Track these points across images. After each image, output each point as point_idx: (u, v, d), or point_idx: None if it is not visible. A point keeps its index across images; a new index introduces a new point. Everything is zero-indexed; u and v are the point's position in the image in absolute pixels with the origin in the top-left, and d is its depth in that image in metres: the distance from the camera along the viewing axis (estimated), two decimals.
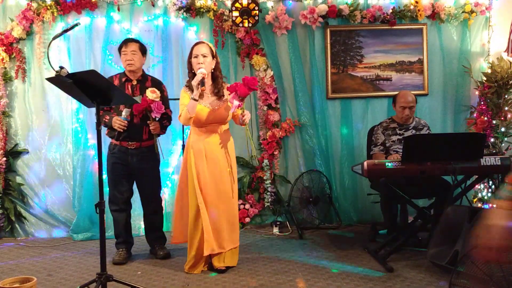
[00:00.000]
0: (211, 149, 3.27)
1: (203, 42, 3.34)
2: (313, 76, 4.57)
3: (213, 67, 3.30)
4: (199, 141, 3.28)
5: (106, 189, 4.17)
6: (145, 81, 3.61)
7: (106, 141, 4.21)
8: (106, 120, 3.48)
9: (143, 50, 3.61)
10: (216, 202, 3.26)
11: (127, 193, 3.63)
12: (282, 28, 4.49)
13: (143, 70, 3.68)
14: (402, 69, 4.68)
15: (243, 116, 3.21)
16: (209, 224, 3.21)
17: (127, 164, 3.54)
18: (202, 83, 3.17)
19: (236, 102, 3.14)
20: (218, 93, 3.29)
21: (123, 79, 3.58)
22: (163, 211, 3.80)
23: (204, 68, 3.20)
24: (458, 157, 3.18)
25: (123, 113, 3.42)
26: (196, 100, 3.18)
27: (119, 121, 3.42)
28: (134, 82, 3.56)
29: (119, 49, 3.59)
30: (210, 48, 3.30)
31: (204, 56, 3.23)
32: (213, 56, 3.29)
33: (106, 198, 2.92)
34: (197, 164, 3.25)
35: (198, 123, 3.28)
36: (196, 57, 3.24)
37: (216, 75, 3.32)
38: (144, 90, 3.50)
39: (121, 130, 3.45)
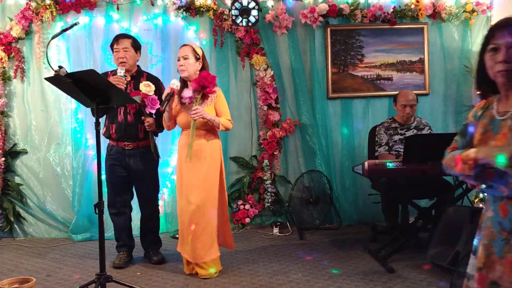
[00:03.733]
0: (184, 153, 3.21)
1: (186, 44, 3.28)
2: (314, 75, 4.55)
3: (198, 69, 3.23)
4: (181, 144, 3.29)
5: (106, 190, 4.16)
6: (140, 77, 3.49)
7: (107, 141, 4.20)
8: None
9: (136, 46, 3.50)
10: (185, 210, 3.21)
11: (126, 196, 3.55)
12: (282, 27, 4.48)
13: (138, 66, 3.57)
14: (403, 68, 4.67)
15: (192, 111, 3.09)
16: (181, 229, 3.26)
17: (125, 165, 3.46)
18: (169, 96, 3.12)
19: (187, 93, 3.10)
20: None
21: None
22: (159, 215, 3.72)
23: (182, 71, 3.17)
24: None
25: (119, 70, 3.33)
26: (168, 111, 3.19)
27: (117, 78, 3.27)
28: (128, 79, 3.45)
29: (111, 46, 3.48)
30: (193, 49, 3.22)
31: (185, 58, 3.17)
32: (198, 58, 3.22)
33: (105, 199, 2.90)
34: (177, 167, 3.32)
35: (180, 126, 3.30)
36: (178, 60, 3.21)
37: None
38: (138, 87, 3.41)
39: (121, 88, 3.24)
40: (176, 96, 3.21)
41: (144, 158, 3.47)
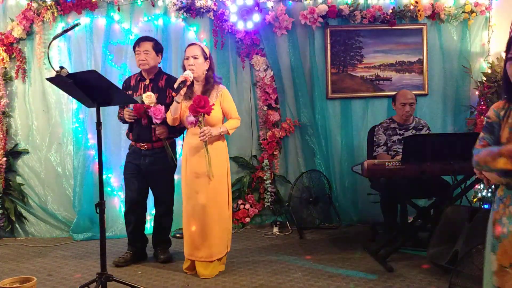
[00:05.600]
0: (191, 152, 3.23)
1: (195, 44, 3.29)
2: (313, 76, 4.57)
3: (206, 68, 3.25)
4: (187, 142, 3.29)
5: (106, 189, 4.19)
6: (159, 80, 3.53)
7: (108, 141, 4.23)
8: (121, 115, 3.50)
9: (157, 48, 3.54)
10: (190, 210, 3.23)
11: (137, 193, 3.54)
12: (282, 28, 4.50)
13: (159, 68, 3.61)
14: (402, 69, 4.69)
15: (200, 134, 3.08)
16: (186, 228, 3.27)
17: (139, 164, 3.50)
18: (183, 84, 3.11)
19: (190, 119, 3.09)
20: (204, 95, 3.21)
21: (138, 79, 3.56)
22: (172, 216, 3.71)
23: (191, 71, 3.16)
24: (458, 157, 3.18)
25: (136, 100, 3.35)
26: (178, 102, 3.16)
27: (128, 112, 3.39)
28: (147, 82, 3.51)
29: (134, 48, 3.55)
30: (202, 49, 3.25)
31: (195, 58, 3.19)
32: (206, 58, 3.24)
33: (106, 198, 2.92)
34: (183, 165, 3.31)
35: (185, 125, 3.29)
36: (187, 59, 3.21)
37: (207, 77, 3.26)
38: (156, 89, 3.45)
39: (132, 120, 3.41)
40: (184, 89, 3.18)
41: (158, 159, 3.49)
